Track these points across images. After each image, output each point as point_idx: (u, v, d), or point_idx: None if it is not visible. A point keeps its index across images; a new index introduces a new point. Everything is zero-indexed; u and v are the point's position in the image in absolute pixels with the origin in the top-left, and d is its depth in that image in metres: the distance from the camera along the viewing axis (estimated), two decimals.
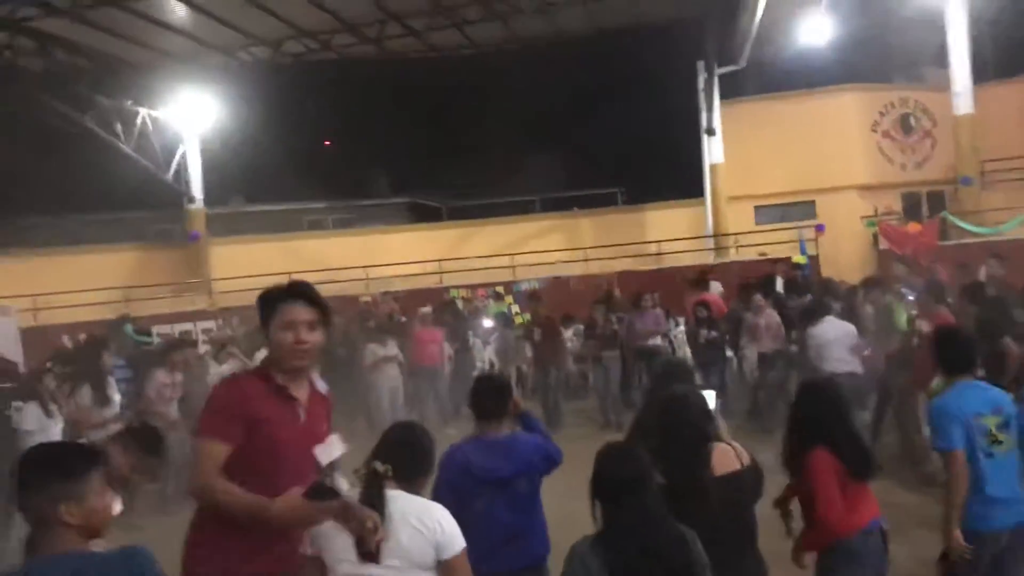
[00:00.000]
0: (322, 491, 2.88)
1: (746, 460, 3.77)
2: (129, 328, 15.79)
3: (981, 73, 21.38)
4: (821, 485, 3.86)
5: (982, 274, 11.82)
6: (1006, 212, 19.16)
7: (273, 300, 3.26)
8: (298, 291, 3.31)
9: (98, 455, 2.61)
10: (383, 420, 10.31)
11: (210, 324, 17.93)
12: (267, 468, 3.09)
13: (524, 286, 19.25)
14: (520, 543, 3.84)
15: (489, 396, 4.03)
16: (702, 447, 3.69)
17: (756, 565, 3.77)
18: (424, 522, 2.97)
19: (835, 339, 8.93)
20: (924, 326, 7.84)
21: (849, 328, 9.14)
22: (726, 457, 3.73)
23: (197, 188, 22.96)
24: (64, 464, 2.47)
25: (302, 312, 3.23)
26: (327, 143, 35.71)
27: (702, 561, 3.02)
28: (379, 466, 3.01)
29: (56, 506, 2.41)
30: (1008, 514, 4.05)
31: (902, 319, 9.30)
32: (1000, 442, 4.03)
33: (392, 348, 11.28)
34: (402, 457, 3.13)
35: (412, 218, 30.61)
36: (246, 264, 18.57)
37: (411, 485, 3.14)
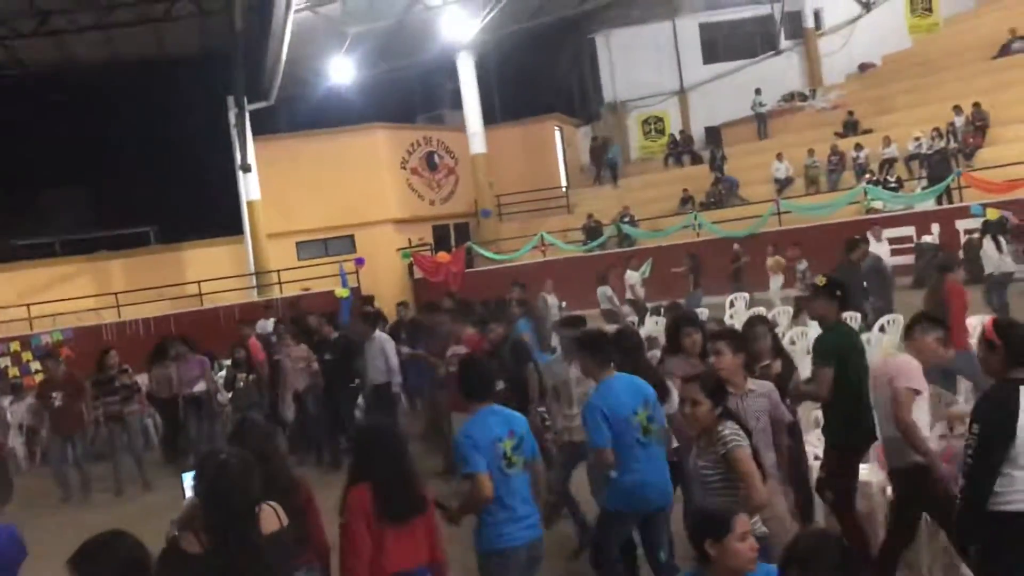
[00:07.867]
0: None
1: (284, 519, 3.49)
2: None
3: (491, 116, 23.87)
4: (344, 525, 3.72)
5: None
6: (519, 240, 21.59)
7: None
8: None
9: None
10: None
11: None
12: None
13: (45, 339, 17.17)
14: None
15: None
16: (252, 509, 3.33)
17: None
18: None
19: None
20: (460, 350, 8.27)
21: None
22: (269, 517, 3.43)
23: None
24: None
25: None
26: None
27: None
28: None
29: None
30: (525, 528, 4.27)
31: None
32: (513, 464, 4.23)
33: None
34: None
35: None
36: None
37: None
